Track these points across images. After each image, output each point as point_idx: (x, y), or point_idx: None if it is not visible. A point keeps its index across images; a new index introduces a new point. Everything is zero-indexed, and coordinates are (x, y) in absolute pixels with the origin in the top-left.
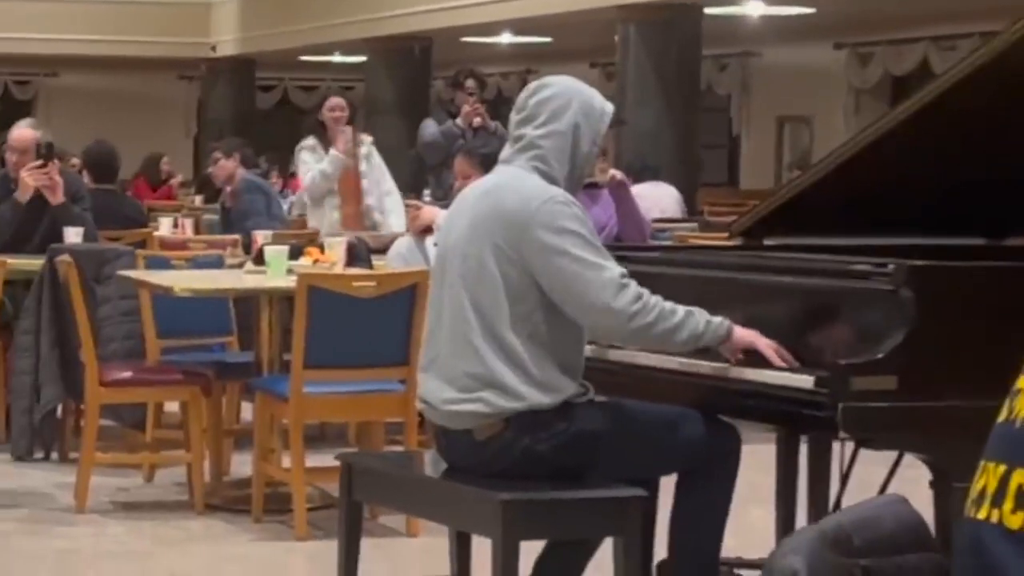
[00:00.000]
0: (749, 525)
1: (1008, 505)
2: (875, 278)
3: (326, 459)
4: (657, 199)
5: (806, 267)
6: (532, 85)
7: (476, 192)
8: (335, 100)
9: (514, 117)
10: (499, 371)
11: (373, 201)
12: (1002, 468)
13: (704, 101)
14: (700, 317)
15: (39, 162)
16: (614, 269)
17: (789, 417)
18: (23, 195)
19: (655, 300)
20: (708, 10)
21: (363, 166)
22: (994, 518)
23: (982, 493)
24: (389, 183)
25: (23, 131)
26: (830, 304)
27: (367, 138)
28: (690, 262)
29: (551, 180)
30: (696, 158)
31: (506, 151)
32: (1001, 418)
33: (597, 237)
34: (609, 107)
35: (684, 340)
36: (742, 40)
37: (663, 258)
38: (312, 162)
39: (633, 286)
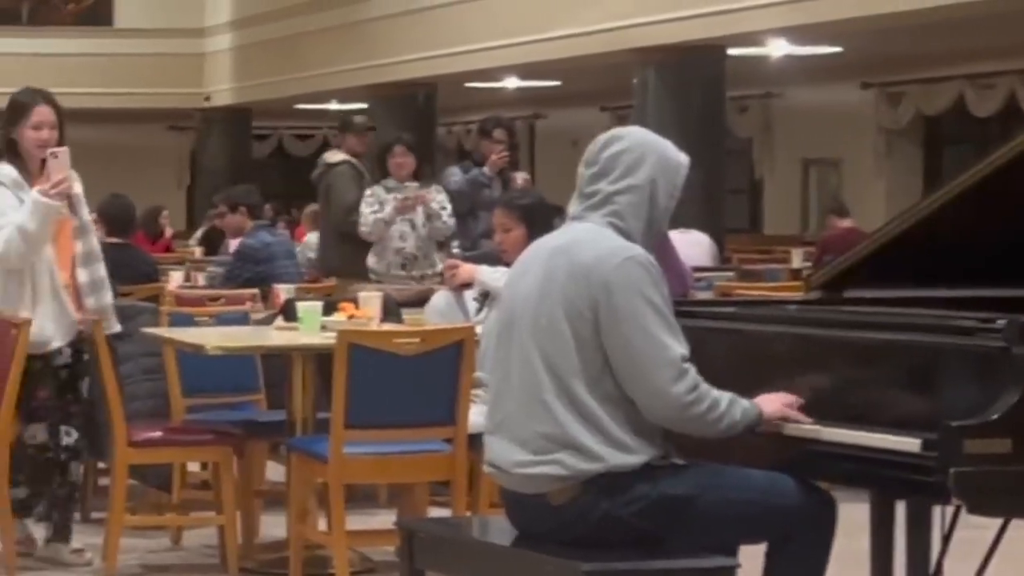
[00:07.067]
0: None
1: None
2: (983, 334)
3: (357, 521)
4: (684, 248)
5: (904, 323)
6: (602, 138)
7: (547, 248)
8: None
9: (584, 171)
10: (575, 431)
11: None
12: None
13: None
14: (737, 405)
15: None
16: (678, 350)
17: (891, 482)
18: None
19: (706, 389)
20: (731, 51)
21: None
22: None
23: None
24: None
25: None
26: (933, 362)
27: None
28: (773, 318)
29: (628, 237)
30: (721, 204)
31: (576, 207)
32: None
33: (671, 305)
34: (685, 159)
35: (723, 430)
36: (763, 81)
37: (742, 314)
38: None
39: (692, 373)
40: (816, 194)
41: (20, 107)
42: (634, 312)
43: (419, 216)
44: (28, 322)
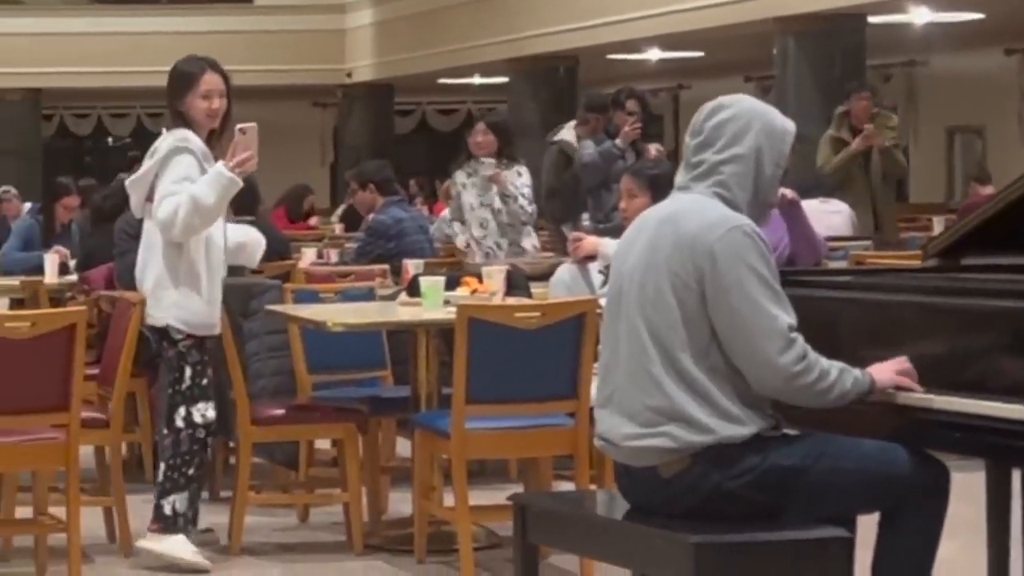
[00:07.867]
0: (949, 560)
1: None
2: None
3: (488, 496)
4: (824, 217)
5: (1017, 289)
6: (707, 107)
7: (654, 219)
8: (212, 79)
9: (690, 141)
10: (683, 403)
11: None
12: None
13: None
14: (848, 374)
15: None
16: (785, 319)
17: (1004, 450)
18: None
19: (815, 358)
20: (872, 19)
21: None
22: None
23: None
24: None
25: None
26: None
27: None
28: (888, 286)
29: (733, 207)
30: None
31: (682, 177)
32: None
33: (777, 275)
34: (791, 126)
35: (834, 400)
36: (906, 49)
37: (857, 283)
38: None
39: (799, 342)
40: (961, 162)
41: (187, 77)
42: (739, 281)
43: (496, 201)
44: (143, 301)
